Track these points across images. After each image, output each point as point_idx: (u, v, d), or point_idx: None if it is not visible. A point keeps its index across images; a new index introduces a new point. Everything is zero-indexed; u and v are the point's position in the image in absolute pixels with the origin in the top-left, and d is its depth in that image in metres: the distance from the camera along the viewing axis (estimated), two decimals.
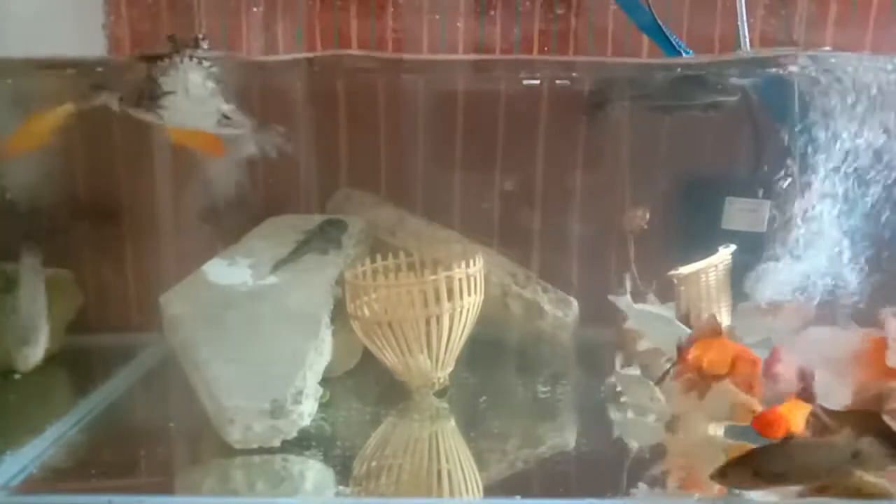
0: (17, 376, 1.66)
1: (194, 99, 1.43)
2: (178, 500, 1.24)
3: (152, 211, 1.88)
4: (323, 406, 1.44)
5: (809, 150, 1.54)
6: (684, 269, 1.64)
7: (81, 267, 1.88)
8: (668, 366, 1.43)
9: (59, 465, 1.31)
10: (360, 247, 1.68)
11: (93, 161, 1.89)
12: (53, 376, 1.73)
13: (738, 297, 1.66)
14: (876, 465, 1.12)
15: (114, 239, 1.94)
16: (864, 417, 1.20)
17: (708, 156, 1.87)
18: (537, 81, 1.84)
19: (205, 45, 1.42)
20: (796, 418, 1.20)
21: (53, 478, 1.27)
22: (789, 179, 1.59)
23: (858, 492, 1.12)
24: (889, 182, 1.52)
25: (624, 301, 1.62)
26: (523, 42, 1.82)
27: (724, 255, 1.67)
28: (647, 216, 1.73)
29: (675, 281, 1.64)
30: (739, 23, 1.63)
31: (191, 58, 1.38)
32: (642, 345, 1.63)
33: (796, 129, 1.57)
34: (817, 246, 1.55)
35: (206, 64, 1.40)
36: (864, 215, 1.53)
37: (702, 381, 1.35)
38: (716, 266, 1.66)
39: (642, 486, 1.23)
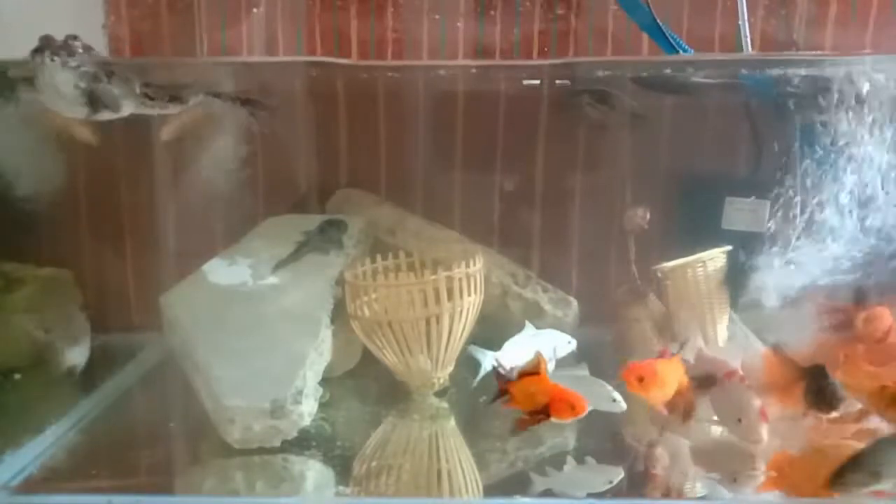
0: (17, 376, 1.66)
1: (67, 98, 1.38)
2: (178, 500, 1.24)
3: (152, 211, 1.88)
4: (323, 406, 1.44)
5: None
6: (668, 264, 1.64)
7: (81, 267, 1.87)
8: None
9: (59, 465, 1.31)
10: (360, 247, 1.68)
11: (93, 160, 1.89)
12: (53, 376, 1.73)
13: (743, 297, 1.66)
14: None
15: (114, 239, 1.93)
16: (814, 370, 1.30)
17: (708, 155, 1.86)
18: (537, 81, 1.84)
19: (77, 46, 1.37)
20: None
21: (53, 478, 1.27)
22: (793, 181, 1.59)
23: None
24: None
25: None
26: (523, 42, 1.82)
27: (715, 253, 1.67)
28: (648, 216, 1.72)
29: (660, 275, 1.64)
30: (740, 23, 1.63)
31: (52, 59, 1.34)
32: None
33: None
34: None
35: (72, 65, 1.35)
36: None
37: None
38: (704, 263, 1.66)
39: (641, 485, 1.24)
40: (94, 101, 1.38)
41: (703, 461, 1.34)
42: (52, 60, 1.33)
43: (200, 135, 1.68)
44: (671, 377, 1.33)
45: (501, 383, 1.31)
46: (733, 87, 1.74)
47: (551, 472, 1.23)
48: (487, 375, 1.46)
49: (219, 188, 1.73)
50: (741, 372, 1.36)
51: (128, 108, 1.45)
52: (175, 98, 1.50)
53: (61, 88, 1.36)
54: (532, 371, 1.28)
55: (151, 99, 1.47)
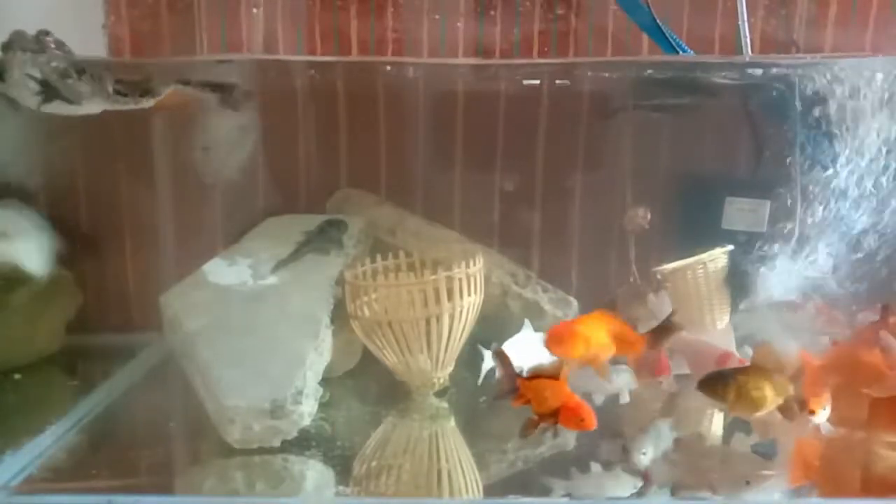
0: (17, 376, 1.66)
1: (31, 91, 1.38)
2: (178, 500, 1.24)
3: (152, 211, 1.88)
4: (323, 406, 1.44)
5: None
6: (668, 266, 1.64)
7: (81, 267, 1.87)
8: None
9: (59, 465, 1.31)
10: (360, 247, 1.68)
11: (93, 161, 1.89)
12: (53, 376, 1.73)
13: (743, 297, 1.66)
14: None
15: (114, 238, 1.93)
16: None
17: (708, 155, 1.87)
18: (537, 81, 1.84)
19: (49, 41, 1.38)
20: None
21: (53, 478, 1.27)
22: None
23: None
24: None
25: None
26: (523, 42, 1.82)
27: (716, 253, 1.67)
28: (649, 216, 1.72)
29: (660, 277, 1.64)
30: (740, 23, 1.63)
31: (23, 53, 1.34)
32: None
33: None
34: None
35: (41, 60, 1.36)
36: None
37: None
38: (705, 264, 1.65)
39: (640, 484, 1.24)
40: (46, 88, 1.37)
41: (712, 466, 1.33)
42: (23, 55, 1.33)
43: (200, 135, 1.68)
44: (594, 333, 1.29)
45: (509, 379, 1.29)
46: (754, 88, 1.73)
47: (575, 476, 1.23)
48: (490, 375, 1.47)
49: (219, 188, 1.73)
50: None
51: (98, 106, 1.44)
52: (147, 91, 1.49)
53: (28, 83, 1.36)
54: (550, 374, 1.26)
55: (123, 95, 1.46)
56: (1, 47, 1.34)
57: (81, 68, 1.40)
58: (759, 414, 1.24)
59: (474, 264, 1.51)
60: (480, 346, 1.49)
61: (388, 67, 1.85)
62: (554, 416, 1.22)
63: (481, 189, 1.90)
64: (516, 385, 1.27)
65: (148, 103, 1.50)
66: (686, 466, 1.30)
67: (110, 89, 1.45)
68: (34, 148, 1.72)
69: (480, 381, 1.49)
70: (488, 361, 1.47)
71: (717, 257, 1.66)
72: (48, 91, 1.37)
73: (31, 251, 1.67)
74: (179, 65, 1.70)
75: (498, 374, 1.35)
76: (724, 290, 1.68)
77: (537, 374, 1.27)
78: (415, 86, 1.87)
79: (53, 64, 1.37)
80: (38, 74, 1.36)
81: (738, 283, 1.64)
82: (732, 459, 1.32)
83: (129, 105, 1.48)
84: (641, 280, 1.73)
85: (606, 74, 1.79)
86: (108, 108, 1.46)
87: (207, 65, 1.71)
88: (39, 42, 1.37)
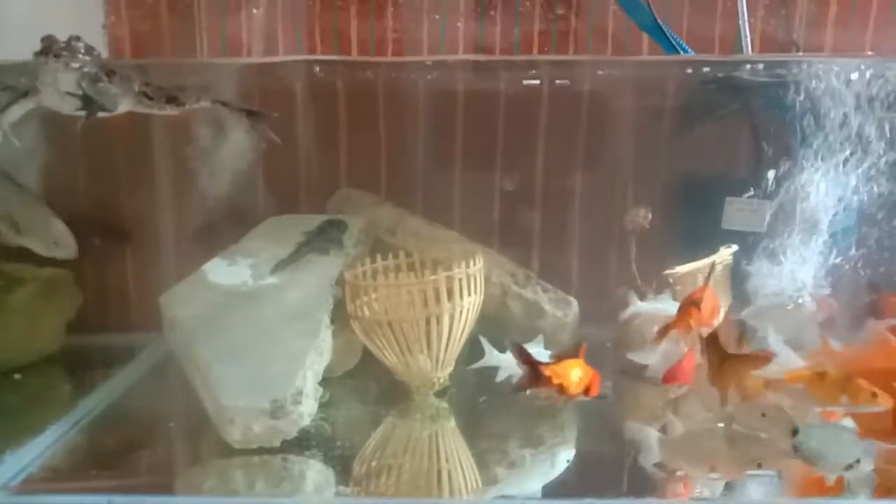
0: (17, 376, 1.66)
1: (66, 99, 1.36)
2: (178, 500, 1.24)
3: (152, 211, 1.88)
4: (323, 406, 1.44)
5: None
6: (680, 269, 1.64)
7: (81, 267, 1.87)
8: None
9: (59, 465, 1.31)
10: (360, 247, 1.68)
11: (93, 162, 1.89)
12: (53, 376, 1.73)
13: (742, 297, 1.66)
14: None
15: (114, 239, 1.93)
16: None
17: (708, 156, 1.87)
18: (537, 81, 1.84)
19: (80, 46, 1.35)
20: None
21: (53, 478, 1.27)
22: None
23: None
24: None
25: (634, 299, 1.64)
26: (523, 42, 1.82)
27: (724, 254, 1.67)
28: (650, 216, 1.72)
29: (671, 280, 1.64)
30: (741, 23, 1.63)
31: (57, 57, 1.32)
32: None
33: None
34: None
35: (74, 66, 1.34)
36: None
37: None
38: (714, 265, 1.66)
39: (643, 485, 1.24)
40: (88, 104, 1.36)
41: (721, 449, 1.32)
42: (56, 61, 1.33)
43: (201, 135, 1.68)
44: None
45: (533, 368, 1.37)
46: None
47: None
48: (484, 372, 1.49)
49: (218, 188, 1.73)
50: None
51: (125, 106, 1.44)
52: (172, 99, 1.50)
53: (62, 89, 1.35)
54: (573, 355, 1.40)
55: (150, 98, 1.46)
56: (34, 54, 1.33)
57: (111, 70, 1.40)
58: None
59: (474, 264, 1.51)
60: (482, 338, 1.51)
61: (393, 74, 1.85)
62: (587, 390, 1.40)
63: (481, 189, 1.90)
64: (541, 372, 1.37)
65: (173, 111, 1.51)
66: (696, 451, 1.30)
67: (136, 89, 1.44)
68: (40, 148, 1.73)
69: (473, 367, 1.51)
70: (491, 357, 1.49)
71: (725, 258, 1.67)
72: (90, 105, 1.37)
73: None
74: (181, 66, 1.70)
75: (519, 367, 1.40)
76: (729, 289, 1.68)
77: (560, 357, 1.40)
78: (415, 86, 1.87)
79: (86, 70, 1.36)
80: (77, 90, 1.35)
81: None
82: (741, 442, 1.32)
83: (153, 110, 1.48)
84: (642, 280, 1.73)
85: (611, 73, 1.79)
86: (132, 110, 1.46)
87: (207, 66, 1.72)
88: (71, 48, 1.36)
